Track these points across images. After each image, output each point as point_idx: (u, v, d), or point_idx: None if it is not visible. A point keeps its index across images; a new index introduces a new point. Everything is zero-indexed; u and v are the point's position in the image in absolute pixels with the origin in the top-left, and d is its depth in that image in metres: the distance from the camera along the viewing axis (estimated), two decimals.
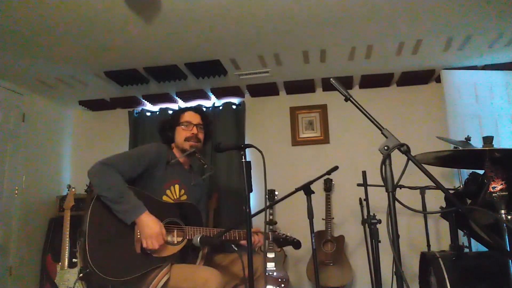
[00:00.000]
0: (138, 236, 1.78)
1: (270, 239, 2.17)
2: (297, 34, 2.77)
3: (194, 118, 2.16)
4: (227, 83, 3.70)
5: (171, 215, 1.90)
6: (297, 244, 2.16)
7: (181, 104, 4.05)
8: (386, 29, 2.72)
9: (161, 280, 1.71)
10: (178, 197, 2.04)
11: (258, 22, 2.58)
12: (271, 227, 3.32)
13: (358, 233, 3.46)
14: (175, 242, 1.88)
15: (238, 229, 2.00)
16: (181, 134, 2.12)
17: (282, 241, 2.16)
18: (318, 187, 3.39)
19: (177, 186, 2.04)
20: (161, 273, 1.73)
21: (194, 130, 2.12)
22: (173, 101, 4.00)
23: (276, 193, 3.60)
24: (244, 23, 2.59)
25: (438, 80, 3.62)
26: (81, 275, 1.73)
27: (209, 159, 3.80)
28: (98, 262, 1.64)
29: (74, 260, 3.01)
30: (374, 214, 2.24)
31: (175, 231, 1.89)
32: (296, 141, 3.89)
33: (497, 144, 3.05)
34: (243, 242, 2.02)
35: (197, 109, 2.23)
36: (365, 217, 2.48)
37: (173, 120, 2.17)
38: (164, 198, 1.97)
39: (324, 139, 3.84)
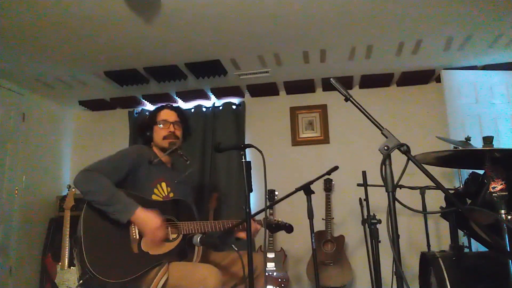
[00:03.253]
0: (134, 236, 1.78)
1: (263, 225, 2.17)
2: (297, 34, 2.77)
3: (170, 116, 2.18)
4: (227, 83, 3.70)
5: (163, 212, 1.90)
6: (289, 228, 2.17)
7: (181, 104, 4.05)
8: (386, 29, 2.72)
9: (160, 280, 1.71)
10: (166, 194, 2.05)
11: (258, 22, 2.58)
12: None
13: (358, 233, 3.45)
14: (171, 238, 1.89)
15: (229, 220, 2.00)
16: (158, 133, 2.13)
17: (275, 227, 2.18)
18: (318, 187, 3.39)
19: (164, 184, 2.05)
20: (160, 272, 1.73)
21: (171, 128, 2.14)
22: (173, 101, 4.00)
23: (276, 193, 3.60)
24: (244, 23, 2.59)
25: (438, 80, 3.62)
26: (81, 281, 1.72)
27: (210, 158, 3.80)
28: (97, 266, 1.64)
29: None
30: (374, 214, 2.24)
31: (169, 228, 1.90)
32: (296, 141, 3.89)
33: (497, 144, 3.05)
34: (240, 234, 2.03)
35: (173, 107, 2.26)
36: (365, 217, 2.48)
37: (150, 120, 2.19)
38: (153, 197, 1.98)
39: (324, 139, 3.84)
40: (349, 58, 3.22)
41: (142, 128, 2.21)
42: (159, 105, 2.29)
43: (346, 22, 2.62)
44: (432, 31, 2.77)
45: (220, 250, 2.12)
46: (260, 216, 2.04)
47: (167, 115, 2.18)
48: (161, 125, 2.14)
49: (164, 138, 2.11)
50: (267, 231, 2.16)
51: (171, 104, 2.36)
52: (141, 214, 1.76)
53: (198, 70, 3.32)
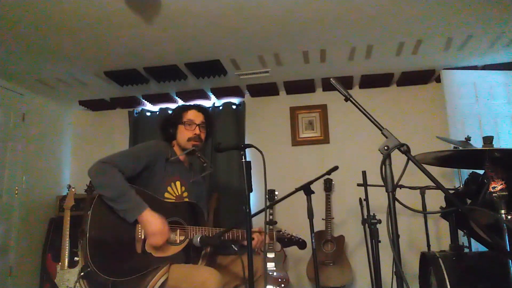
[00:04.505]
0: (139, 236, 1.78)
1: (275, 239, 2.16)
2: (297, 34, 2.77)
3: (197, 117, 2.14)
4: (227, 83, 3.70)
5: (173, 214, 1.89)
6: (302, 244, 2.15)
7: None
8: (386, 29, 2.72)
9: (159, 280, 1.71)
10: (180, 193, 2.04)
11: (258, 22, 2.57)
12: (271, 227, 3.31)
13: (358, 233, 3.46)
14: (178, 241, 1.88)
15: (239, 228, 1.99)
16: (183, 133, 2.11)
17: (287, 241, 2.15)
18: (318, 187, 3.39)
19: (178, 183, 2.04)
20: (159, 273, 1.72)
21: (197, 130, 2.11)
22: (173, 101, 4.00)
23: (276, 193, 3.60)
24: (244, 23, 2.59)
25: (438, 80, 3.62)
26: (82, 273, 1.73)
27: (209, 159, 3.80)
28: (98, 262, 1.64)
29: (75, 258, 3.00)
30: (374, 214, 2.24)
31: (178, 230, 1.89)
32: (296, 141, 3.89)
33: (497, 144, 3.05)
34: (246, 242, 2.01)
35: (200, 108, 2.22)
36: (365, 217, 2.48)
37: (175, 118, 2.16)
38: (166, 195, 1.97)
39: (324, 139, 3.84)
40: (349, 58, 3.22)
41: (165, 125, 2.17)
42: (188, 103, 2.25)
43: (346, 22, 2.61)
44: (432, 31, 2.77)
45: (220, 252, 2.11)
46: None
47: (194, 115, 2.14)
48: (187, 126, 2.11)
49: (189, 140, 2.08)
50: (273, 233, 2.15)
51: (199, 104, 2.31)
52: (148, 216, 1.75)
53: (198, 70, 3.32)
